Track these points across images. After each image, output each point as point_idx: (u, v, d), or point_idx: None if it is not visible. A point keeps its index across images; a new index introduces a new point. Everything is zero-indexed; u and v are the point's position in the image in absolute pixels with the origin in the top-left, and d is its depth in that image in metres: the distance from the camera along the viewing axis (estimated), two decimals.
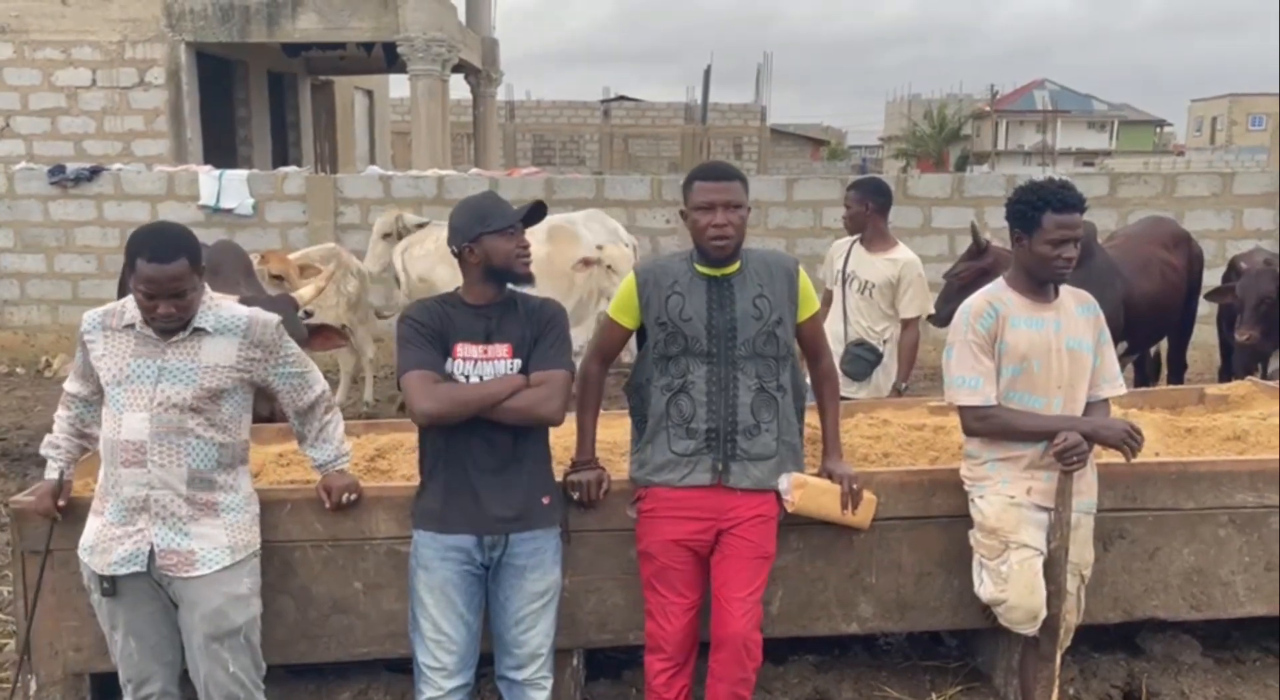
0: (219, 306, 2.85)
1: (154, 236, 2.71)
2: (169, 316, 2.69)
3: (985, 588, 3.28)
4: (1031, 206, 3.14)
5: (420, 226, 7.56)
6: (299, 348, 3.02)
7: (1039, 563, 3.19)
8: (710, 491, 3.05)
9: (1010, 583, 3.19)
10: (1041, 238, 3.12)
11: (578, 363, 3.20)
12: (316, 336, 4.37)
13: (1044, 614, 3.21)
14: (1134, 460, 3.18)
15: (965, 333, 3.21)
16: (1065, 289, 3.28)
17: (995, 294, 3.25)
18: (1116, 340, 6.11)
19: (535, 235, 3.65)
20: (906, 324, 4.85)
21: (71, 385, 2.98)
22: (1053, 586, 3.19)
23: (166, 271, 2.65)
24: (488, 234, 2.90)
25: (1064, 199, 3.11)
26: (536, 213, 3.01)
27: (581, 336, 6.28)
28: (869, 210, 4.93)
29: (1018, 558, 3.19)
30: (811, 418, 3.39)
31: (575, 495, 3.19)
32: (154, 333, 2.75)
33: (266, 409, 3.37)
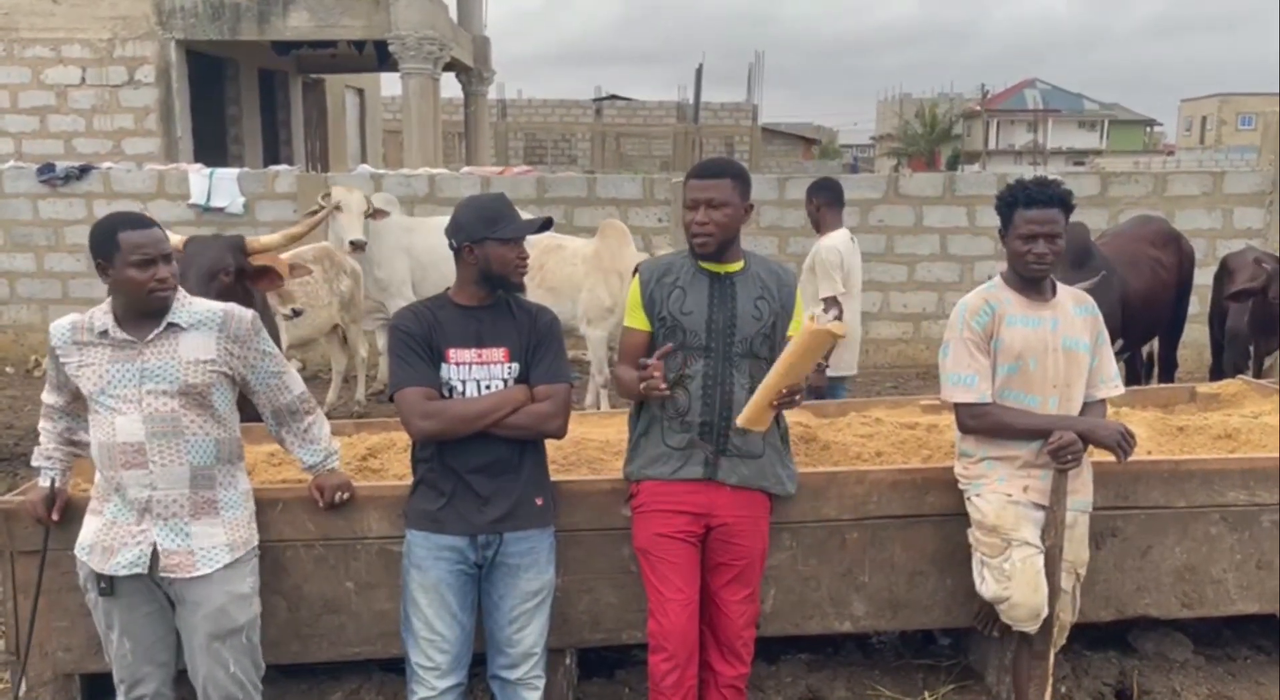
0: (192, 302, 2.84)
1: (122, 215, 2.78)
2: (165, 281, 2.70)
3: (988, 585, 3.25)
4: (1005, 203, 3.19)
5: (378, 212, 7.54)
6: (276, 348, 3.00)
7: (1040, 560, 3.18)
8: (701, 485, 3.04)
9: (1014, 580, 3.17)
10: (1013, 233, 3.16)
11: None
12: (261, 279, 4.33)
13: (1045, 611, 3.21)
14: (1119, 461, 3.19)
15: (961, 330, 3.21)
16: (1064, 289, 3.29)
17: (993, 292, 3.25)
18: (1113, 339, 6.15)
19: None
20: (825, 306, 5.08)
21: (49, 397, 2.96)
22: (1048, 584, 3.19)
23: (152, 235, 2.71)
24: (492, 240, 2.89)
25: (1032, 195, 3.13)
26: (543, 228, 3.07)
27: None
28: (815, 207, 5.43)
29: (1020, 555, 3.17)
30: (797, 416, 3.39)
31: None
32: (129, 335, 2.73)
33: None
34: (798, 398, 2.93)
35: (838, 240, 5.29)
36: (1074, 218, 3.34)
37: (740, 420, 2.92)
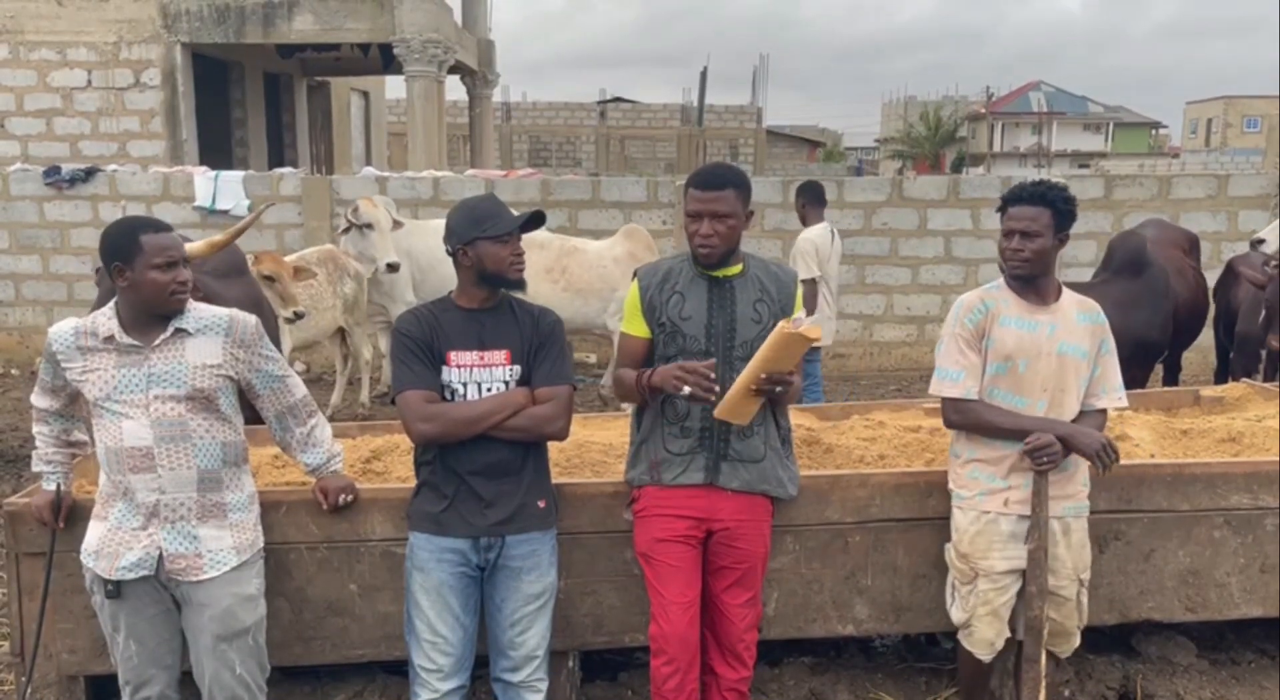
0: (197, 307, 2.85)
1: (140, 219, 2.83)
2: (185, 284, 2.73)
3: (955, 610, 3.35)
4: (1002, 202, 3.28)
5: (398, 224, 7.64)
6: (278, 352, 3.01)
7: (1000, 598, 3.22)
8: (702, 490, 3.04)
9: (976, 613, 3.26)
10: (1001, 230, 3.24)
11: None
12: None
13: (1000, 646, 3.28)
14: (1122, 465, 3.18)
15: (954, 327, 3.24)
16: (1070, 294, 3.29)
17: (991, 292, 3.27)
18: (1160, 350, 6.17)
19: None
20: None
21: (41, 401, 2.94)
22: (1032, 587, 3.18)
23: (174, 238, 2.75)
24: (483, 239, 2.89)
25: (1018, 193, 3.22)
26: (535, 221, 3.01)
27: None
28: (799, 204, 6.60)
29: (985, 587, 3.23)
30: (800, 419, 3.39)
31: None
32: (135, 340, 2.73)
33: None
34: (778, 389, 2.85)
35: (814, 232, 6.28)
36: (1079, 221, 3.35)
37: (718, 412, 2.91)
